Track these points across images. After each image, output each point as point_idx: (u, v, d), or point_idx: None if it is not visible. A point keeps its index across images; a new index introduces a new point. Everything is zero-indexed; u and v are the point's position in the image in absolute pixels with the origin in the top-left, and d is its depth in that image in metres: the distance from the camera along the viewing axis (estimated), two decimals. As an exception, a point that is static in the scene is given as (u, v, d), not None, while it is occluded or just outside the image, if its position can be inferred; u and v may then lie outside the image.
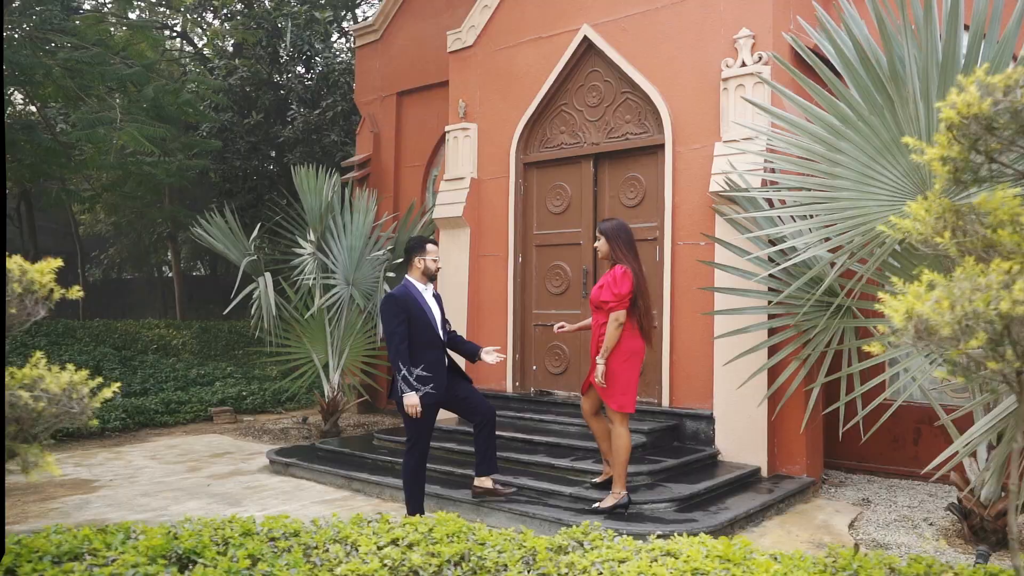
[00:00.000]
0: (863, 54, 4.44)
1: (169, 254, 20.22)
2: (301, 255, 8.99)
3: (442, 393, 4.92)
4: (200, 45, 17.73)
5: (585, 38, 7.42)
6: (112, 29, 10.74)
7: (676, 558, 2.06)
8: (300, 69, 13.76)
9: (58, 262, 2.01)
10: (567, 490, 5.39)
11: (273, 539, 2.23)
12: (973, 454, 5.16)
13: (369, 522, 2.49)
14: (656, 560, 2.06)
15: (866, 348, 2.20)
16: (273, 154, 14.10)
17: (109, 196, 10.66)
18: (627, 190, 7.30)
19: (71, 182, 12.09)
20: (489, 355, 5.29)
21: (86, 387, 1.89)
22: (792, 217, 5.73)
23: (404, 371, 4.78)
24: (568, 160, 7.69)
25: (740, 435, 6.26)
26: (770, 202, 5.95)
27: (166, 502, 5.89)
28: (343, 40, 16.25)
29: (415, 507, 5.07)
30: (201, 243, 8.58)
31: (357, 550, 2.15)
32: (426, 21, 10.45)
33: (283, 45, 12.70)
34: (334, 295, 8.71)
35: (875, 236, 4.84)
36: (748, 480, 5.97)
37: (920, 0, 4.39)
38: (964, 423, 5.63)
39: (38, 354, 1.92)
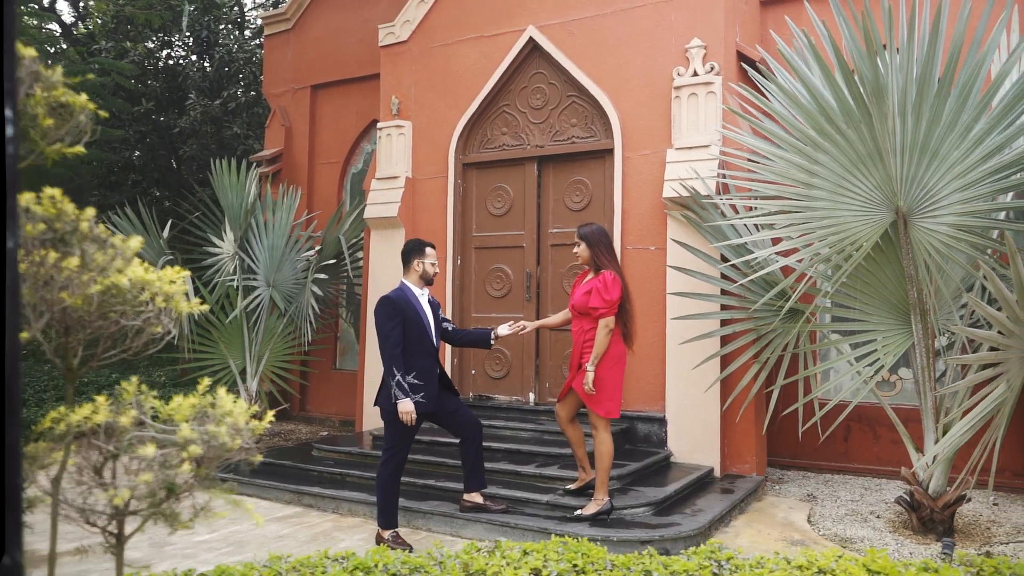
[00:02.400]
0: (845, 67, 4.61)
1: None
2: (215, 254, 8.41)
3: (432, 403, 4.70)
4: (69, 23, 16.26)
5: (531, 39, 7.35)
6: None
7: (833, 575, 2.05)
8: (194, 58, 12.89)
9: (185, 271, 1.72)
10: (543, 498, 5.30)
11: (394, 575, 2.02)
12: (919, 449, 5.48)
13: (483, 550, 2.31)
14: (815, 578, 2.03)
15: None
16: (147, 141, 13.05)
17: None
18: (573, 193, 7.29)
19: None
20: (505, 329, 5.11)
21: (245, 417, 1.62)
22: (745, 226, 5.90)
23: (399, 376, 4.53)
24: (511, 162, 7.59)
25: (694, 437, 6.38)
26: (728, 209, 6.09)
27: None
28: (234, 27, 15.36)
29: (389, 520, 4.84)
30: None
31: (505, 584, 1.97)
32: (345, 12, 10.04)
33: (179, 30, 11.84)
34: (255, 297, 8.21)
35: (845, 247, 5.06)
36: (705, 481, 6.10)
37: (885, 18, 4.61)
38: (905, 419, 5.99)
39: (207, 380, 1.63)
